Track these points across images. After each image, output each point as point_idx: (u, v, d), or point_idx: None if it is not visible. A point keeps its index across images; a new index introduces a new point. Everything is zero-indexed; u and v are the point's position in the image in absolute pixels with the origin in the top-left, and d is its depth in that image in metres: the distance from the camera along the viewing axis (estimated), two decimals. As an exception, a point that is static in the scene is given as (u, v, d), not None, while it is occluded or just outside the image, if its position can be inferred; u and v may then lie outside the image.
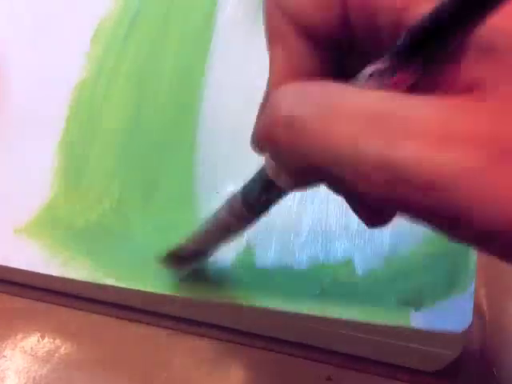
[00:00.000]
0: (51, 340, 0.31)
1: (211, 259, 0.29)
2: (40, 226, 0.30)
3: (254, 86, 0.33)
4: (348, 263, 0.28)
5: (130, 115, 0.33)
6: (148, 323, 0.31)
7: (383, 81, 0.16)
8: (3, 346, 0.31)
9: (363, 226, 0.28)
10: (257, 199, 0.21)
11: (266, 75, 0.18)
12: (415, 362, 0.29)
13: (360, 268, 0.27)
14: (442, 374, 0.29)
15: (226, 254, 0.29)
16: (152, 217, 0.30)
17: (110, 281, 0.29)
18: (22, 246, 0.30)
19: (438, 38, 0.15)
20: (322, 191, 0.29)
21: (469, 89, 0.15)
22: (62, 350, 0.31)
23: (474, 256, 0.27)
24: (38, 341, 0.31)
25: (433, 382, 0.29)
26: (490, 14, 0.14)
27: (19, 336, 0.32)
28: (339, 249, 0.28)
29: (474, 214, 0.13)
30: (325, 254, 0.28)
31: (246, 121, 0.32)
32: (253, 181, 0.22)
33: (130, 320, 0.31)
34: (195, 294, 0.28)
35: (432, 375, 0.29)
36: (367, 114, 0.14)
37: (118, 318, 0.32)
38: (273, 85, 0.18)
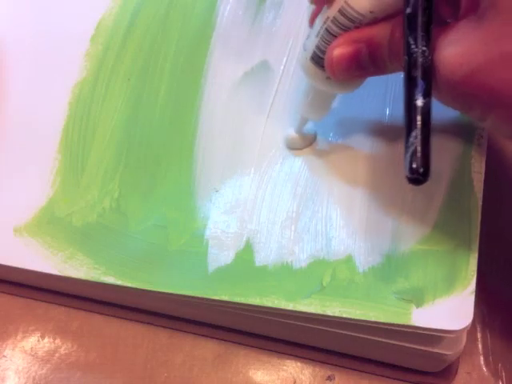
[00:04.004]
0: (51, 340, 0.31)
1: (211, 257, 0.29)
2: (40, 225, 0.30)
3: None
4: (348, 260, 0.27)
5: (129, 115, 0.33)
6: (148, 323, 0.31)
7: None
8: (3, 346, 0.31)
9: (363, 223, 0.28)
10: None
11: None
12: (416, 362, 0.29)
13: (361, 265, 0.27)
14: (442, 374, 0.29)
15: (226, 251, 0.29)
16: (151, 215, 0.30)
17: (109, 279, 0.29)
18: (22, 245, 0.30)
19: None
20: (322, 189, 0.30)
21: None
22: (62, 350, 0.31)
23: (474, 254, 0.27)
24: (38, 341, 0.31)
25: (433, 382, 0.29)
26: None
27: (19, 336, 0.32)
28: (339, 246, 0.28)
29: None
30: (325, 251, 0.28)
31: (246, 119, 0.32)
32: None
33: (130, 320, 0.31)
34: (194, 292, 0.28)
35: (432, 375, 0.29)
36: None
37: (117, 317, 0.32)
38: None
